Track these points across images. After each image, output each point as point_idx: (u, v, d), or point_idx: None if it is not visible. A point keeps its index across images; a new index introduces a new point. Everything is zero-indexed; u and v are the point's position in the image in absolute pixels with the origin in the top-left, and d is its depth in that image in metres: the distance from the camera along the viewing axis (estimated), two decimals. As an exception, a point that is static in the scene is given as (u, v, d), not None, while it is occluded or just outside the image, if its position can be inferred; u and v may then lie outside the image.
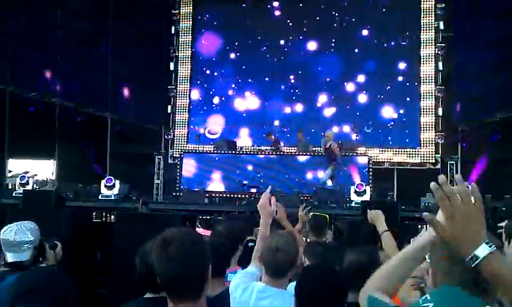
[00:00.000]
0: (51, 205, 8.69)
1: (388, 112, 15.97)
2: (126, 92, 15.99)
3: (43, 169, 14.34)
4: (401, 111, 15.96)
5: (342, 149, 13.70)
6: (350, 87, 16.29)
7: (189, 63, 17.47)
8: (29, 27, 12.50)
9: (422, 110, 15.74)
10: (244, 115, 16.86)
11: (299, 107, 16.56)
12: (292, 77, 16.70)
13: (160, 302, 2.13)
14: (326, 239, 5.58)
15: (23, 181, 10.83)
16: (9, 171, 14.26)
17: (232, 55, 17.20)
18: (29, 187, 10.67)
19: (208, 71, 17.44)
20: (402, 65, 16.09)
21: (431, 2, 16.00)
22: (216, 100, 17.17)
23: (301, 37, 16.74)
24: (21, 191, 10.03)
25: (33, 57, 12.66)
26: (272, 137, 14.53)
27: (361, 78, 16.25)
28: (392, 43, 16.20)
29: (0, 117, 13.94)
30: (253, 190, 12.74)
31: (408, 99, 16.00)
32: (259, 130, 16.13)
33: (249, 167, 13.76)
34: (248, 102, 16.93)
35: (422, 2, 16.09)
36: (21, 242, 3.32)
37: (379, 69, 16.15)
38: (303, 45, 16.72)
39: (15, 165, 14.26)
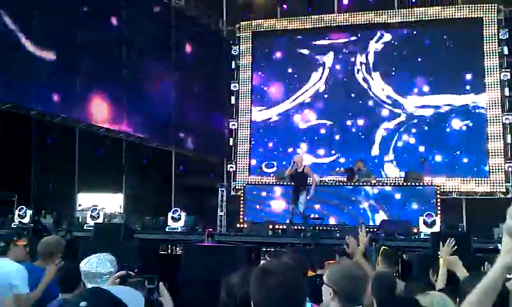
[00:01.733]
0: (120, 237, 8.90)
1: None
2: (189, 126, 16.32)
3: (111, 202, 14.80)
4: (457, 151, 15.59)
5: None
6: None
7: (250, 97, 17.70)
8: (96, 64, 13.02)
9: (489, 137, 15.23)
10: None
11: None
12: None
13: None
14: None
15: (93, 214, 11.17)
16: (79, 205, 14.79)
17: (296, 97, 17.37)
18: (99, 220, 11.00)
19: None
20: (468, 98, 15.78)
21: (493, 28, 15.59)
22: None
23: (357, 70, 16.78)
24: (91, 224, 10.34)
25: (101, 94, 13.16)
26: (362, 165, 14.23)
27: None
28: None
29: (70, 152, 14.56)
30: (317, 222, 12.58)
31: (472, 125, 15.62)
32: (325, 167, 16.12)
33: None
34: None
35: (485, 29, 15.71)
36: (102, 273, 3.42)
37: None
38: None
39: (84, 199, 14.80)
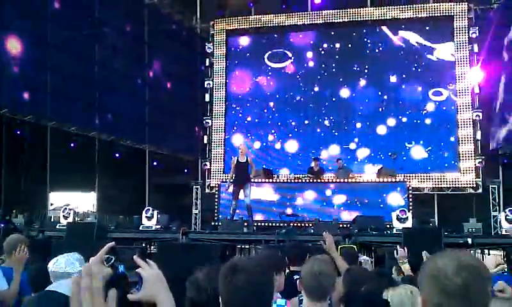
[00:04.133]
0: (94, 237, 8.83)
1: (419, 151, 15.88)
2: (163, 124, 16.22)
3: (83, 201, 14.65)
4: (429, 148, 15.82)
5: (380, 175, 13.63)
6: (381, 130, 16.31)
7: (224, 92, 17.66)
8: (68, 62, 12.85)
9: (459, 137, 15.54)
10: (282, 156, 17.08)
11: (334, 150, 16.52)
12: (326, 121, 16.80)
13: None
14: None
15: (65, 214, 11.05)
16: (51, 204, 14.61)
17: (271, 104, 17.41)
18: (69, 219, 10.88)
19: (239, 108, 17.69)
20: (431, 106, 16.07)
21: (464, 32, 15.89)
22: (257, 145, 17.28)
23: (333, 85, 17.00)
24: (64, 223, 10.23)
25: (72, 91, 13.00)
26: (317, 164, 14.30)
27: (391, 121, 16.25)
28: (420, 89, 16.21)
29: (42, 151, 14.36)
30: (291, 219, 12.65)
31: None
32: (296, 169, 16.18)
33: (288, 196, 13.75)
34: (286, 145, 17.09)
35: (456, 35, 16.00)
36: (71, 272, 3.39)
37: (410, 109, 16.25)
38: (335, 92, 16.87)
39: (57, 198, 14.62)
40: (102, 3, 13.98)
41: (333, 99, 16.90)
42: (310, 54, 17.32)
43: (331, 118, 16.86)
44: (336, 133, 16.75)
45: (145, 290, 1.96)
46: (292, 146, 17.10)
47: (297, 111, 17.18)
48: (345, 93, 16.85)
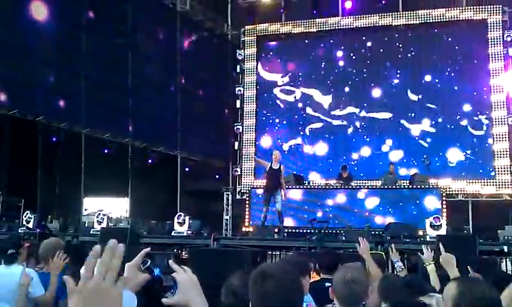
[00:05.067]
0: (127, 242, 8.92)
1: (455, 154, 15.53)
2: (194, 130, 16.34)
3: (117, 207, 14.85)
4: (468, 152, 15.46)
5: (412, 183, 13.46)
6: (415, 130, 16.01)
7: (255, 102, 17.72)
8: (101, 70, 13.09)
9: (494, 137, 15.18)
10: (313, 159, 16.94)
11: (366, 152, 16.34)
12: (357, 122, 16.61)
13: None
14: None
15: (99, 219, 11.19)
16: (85, 209, 14.85)
17: (300, 105, 17.35)
18: (103, 225, 11.01)
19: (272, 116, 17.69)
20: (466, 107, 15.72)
21: (498, 31, 15.55)
22: (286, 147, 17.23)
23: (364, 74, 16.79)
24: (98, 228, 10.37)
25: (105, 99, 13.24)
26: (346, 172, 14.27)
27: (426, 122, 15.99)
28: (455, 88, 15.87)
29: (76, 158, 14.62)
30: (323, 225, 12.56)
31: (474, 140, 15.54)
32: (327, 173, 16.05)
33: (318, 202, 13.68)
34: (316, 148, 16.95)
35: (489, 32, 15.67)
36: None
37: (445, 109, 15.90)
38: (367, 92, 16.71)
39: (90, 204, 14.86)
40: (135, 11, 14.20)
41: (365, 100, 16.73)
42: (340, 53, 17.21)
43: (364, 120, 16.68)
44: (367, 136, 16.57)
45: (180, 294, 2.00)
46: (321, 149, 16.97)
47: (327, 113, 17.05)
48: (376, 93, 16.65)
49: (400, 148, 16.11)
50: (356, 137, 16.58)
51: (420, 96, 16.16)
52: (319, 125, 16.99)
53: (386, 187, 13.66)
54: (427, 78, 16.22)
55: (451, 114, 15.85)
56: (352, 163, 16.02)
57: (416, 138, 15.95)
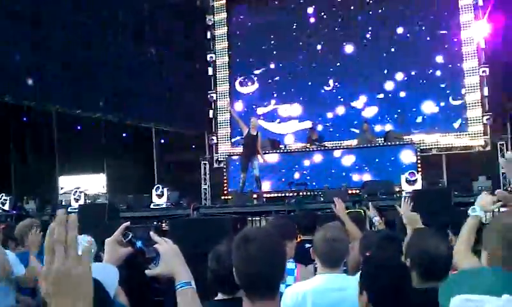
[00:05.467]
0: (106, 217, 8.89)
1: (429, 106, 15.65)
2: (167, 101, 16.16)
3: (93, 183, 14.75)
4: (442, 104, 15.58)
5: (386, 140, 13.61)
6: (389, 85, 16.05)
7: (227, 67, 17.57)
8: (68, 45, 12.79)
9: (466, 89, 15.32)
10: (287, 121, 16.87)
11: (340, 110, 16.38)
12: (331, 80, 16.58)
13: (235, 303, 2.19)
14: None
15: (75, 196, 11.12)
16: (61, 188, 14.72)
17: (272, 66, 17.21)
18: (81, 202, 10.95)
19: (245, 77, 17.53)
20: (439, 58, 15.75)
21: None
22: (260, 111, 17.13)
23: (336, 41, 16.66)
24: (76, 206, 10.30)
25: (74, 74, 12.97)
26: (314, 133, 14.41)
27: (399, 76, 16.00)
28: (428, 38, 15.89)
29: (48, 136, 14.41)
30: (301, 187, 12.69)
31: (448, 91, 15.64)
32: (303, 134, 16.05)
33: (294, 164, 13.79)
34: (290, 110, 16.89)
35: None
36: (80, 255, 3.40)
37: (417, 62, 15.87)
38: (339, 49, 16.60)
39: (66, 182, 14.72)
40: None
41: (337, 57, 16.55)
42: (310, 10, 16.97)
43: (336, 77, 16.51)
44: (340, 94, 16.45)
45: (163, 264, 2.04)
46: (296, 110, 16.88)
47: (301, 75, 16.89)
48: (349, 49, 16.52)
49: (374, 104, 16.15)
50: (330, 96, 16.56)
51: (392, 50, 16.16)
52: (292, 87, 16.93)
53: (361, 145, 13.79)
54: (399, 30, 16.19)
55: (423, 67, 15.87)
56: (328, 124, 16.05)
57: (390, 95, 15.99)
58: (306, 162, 13.84)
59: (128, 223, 2.60)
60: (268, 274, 1.99)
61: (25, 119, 13.71)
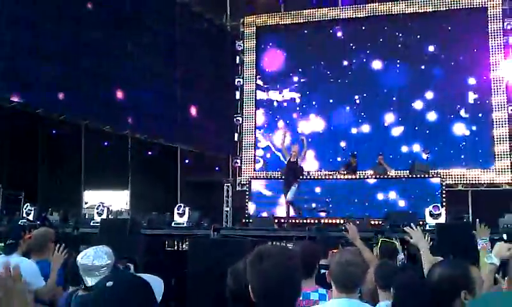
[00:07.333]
0: (127, 232, 8.94)
1: (459, 128, 15.46)
2: (194, 122, 16.32)
3: (117, 199, 14.88)
4: (474, 128, 15.40)
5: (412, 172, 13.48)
6: (418, 105, 15.91)
7: (254, 92, 17.69)
8: (100, 62, 13.08)
9: (494, 123, 15.13)
10: (310, 139, 16.80)
11: (365, 128, 16.30)
12: (357, 97, 16.54)
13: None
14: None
15: (99, 211, 11.21)
16: (86, 202, 14.88)
17: (295, 79, 17.31)
18: (103, 216, 11.01)
19: (272, 98, 17.61)
20: (471, 80, 15.61)
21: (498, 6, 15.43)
22: (281, 123, 17.20)
23: (364, 59, 16.65)
24: (98, 220, 10.38)
25: (105, 91, 13.23)
26: (355, 161, 14.24)
27: (429, 95, 15.86)
28: (460, 58, 15.78)
29: (76, 150, 14.63)
30: (322, 214, 12.59)
31: (480, 115, 15.46)
32: (325, 152, 16.00)
33: (317, 190, 13.69)
34: (312, 125, 16.88)
35: (489, 9, 15.56)
36: (99, 266, 3.41)
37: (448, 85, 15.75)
38: (367, 65, 16.57)
39: (91, 197, 14.89)
40: (134, 2, 14.16)
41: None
42: (339, 34, 17.15)
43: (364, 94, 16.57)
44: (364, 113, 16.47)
45: None
46: (318, 124, 16.90)
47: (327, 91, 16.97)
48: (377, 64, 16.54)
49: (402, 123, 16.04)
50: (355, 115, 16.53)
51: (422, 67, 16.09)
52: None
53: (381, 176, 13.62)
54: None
55: (452, 105, 15.77)
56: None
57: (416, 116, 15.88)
58: (328, 189, 13.74)
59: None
60: (283, 291, 1.99)
61: (54, 132, 13.95)
